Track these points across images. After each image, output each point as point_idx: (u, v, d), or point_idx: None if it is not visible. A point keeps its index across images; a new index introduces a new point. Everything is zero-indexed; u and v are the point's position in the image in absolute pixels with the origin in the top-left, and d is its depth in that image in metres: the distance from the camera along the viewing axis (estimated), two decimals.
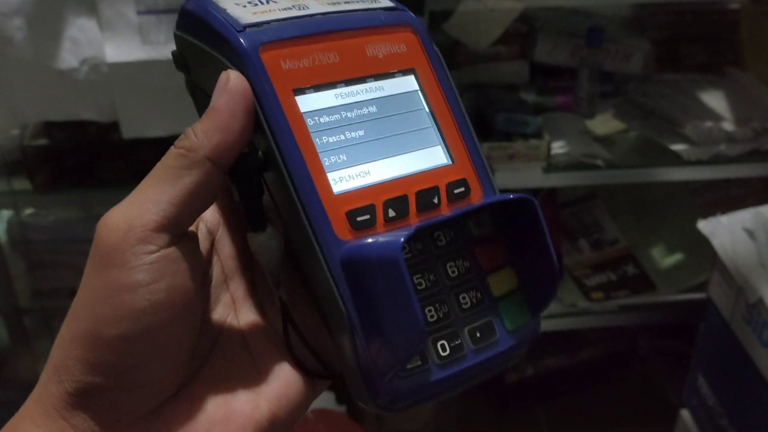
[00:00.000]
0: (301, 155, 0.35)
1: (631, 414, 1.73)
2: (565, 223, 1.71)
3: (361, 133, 0.37)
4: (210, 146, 0.34)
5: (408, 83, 0.39)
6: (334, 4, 0.39)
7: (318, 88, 0.37)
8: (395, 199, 0.36)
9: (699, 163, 1.44)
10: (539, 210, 0.37)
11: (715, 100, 1.49)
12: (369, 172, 0.37)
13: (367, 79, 0.38)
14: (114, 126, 1.20)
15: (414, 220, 0.36)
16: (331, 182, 0.35)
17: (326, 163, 0.36)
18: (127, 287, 0.33)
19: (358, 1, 0.40)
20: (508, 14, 1.32)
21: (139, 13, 1.10)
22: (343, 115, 0.37)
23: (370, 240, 0.35)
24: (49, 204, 1.48)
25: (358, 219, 0.35)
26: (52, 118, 1.25)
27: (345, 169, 0.36)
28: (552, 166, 1.42)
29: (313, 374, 0.38)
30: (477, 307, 0.38)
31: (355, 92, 0.38)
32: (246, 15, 0.37)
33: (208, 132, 0.34)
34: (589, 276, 1.64)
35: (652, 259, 1.68)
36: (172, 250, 0.34)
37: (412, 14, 0.41)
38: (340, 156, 0.36)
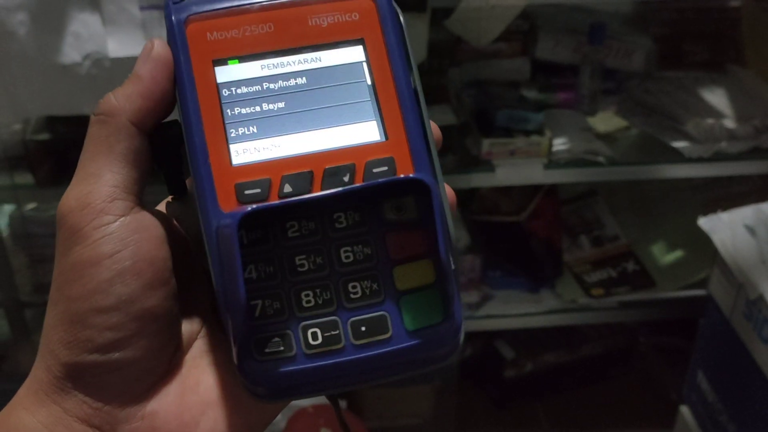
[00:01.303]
0: (201, 125, 0.35)
1: (630, 410, 1.73)
2: (566, 219, 1.71)
3: (281, 105, 0.36)
4: (132, 110, 0.35)
5: (353, 54, 0.37)
6: None
7: (242, 59, 0.36)
8: (296, 174, 0.34)
9: (700, 160, 1.44)
10: (434, 194, 0.34)
11: (716, 97, 1.49)
12: (279, 146, 0.35)
13: (303, 50, 0.36)
14: None
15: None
16: (233, 154, 0.35)
17: (231, 135, 0.35)
18: (92, 261, 0.33)
19: None
20: (510, 11, 1.32)
21: (142, 8, 1.10)
22: (265, 87, 0.36)
23: (233, 212, 0.34)
24: (50, 198, 1.48)
25: (246, 192, 0.34)
26: (55, 112, 1.25)
27: (251, 142, 0.35)
28: (553, 162, 1.42)
29: None
30: (369, 299, 0.35)
31: (284, 63, 0.36)
32: None
33: (130, 97, 0.35)
34: (589, 272, 1.64)
35: (652, 255, 1.68)
36: (132, 219, 0.34)
37: None
38: (250, 128, 0.35)
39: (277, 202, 0.34)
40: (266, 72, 0.36)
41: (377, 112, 0.36)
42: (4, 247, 1.43)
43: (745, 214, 1.26)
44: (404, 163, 0.35)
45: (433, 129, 0.38)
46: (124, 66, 1.12)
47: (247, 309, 0.33)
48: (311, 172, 0.34)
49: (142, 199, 0.36)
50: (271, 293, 0.34)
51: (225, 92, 0.35)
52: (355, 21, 0.37)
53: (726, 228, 1.25)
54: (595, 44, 1.49)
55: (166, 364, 0.36)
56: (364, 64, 0.37)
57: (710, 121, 1.43)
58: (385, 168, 0.35)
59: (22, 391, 0.35)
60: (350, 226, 0.35)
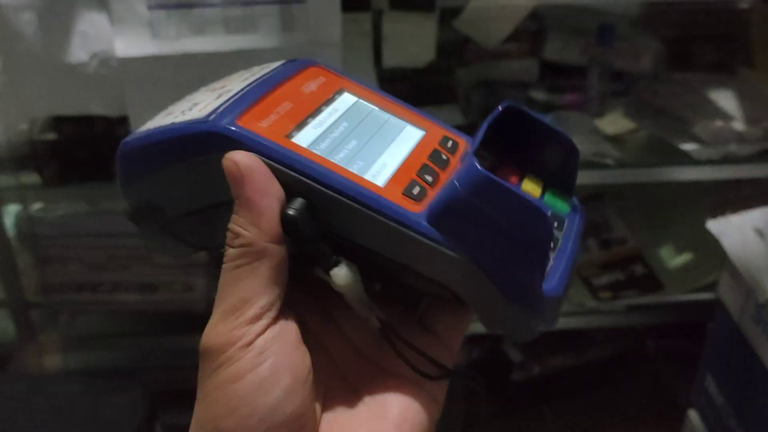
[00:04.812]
0: (338, 173, 0.37)
1: (638, 414, 1.73)
2: None
3: (355, 142, 0.41)
4: (266, 232, 0.36)
5: (348, 99, 0.44)
6: (246, 79, 0.43)
7: (298, 127, 0.40)
8: (422, 167, 0.41)
9: (709, 162, 1.44)
10: (525, 107, 0.43)
11: (725, 99, 1.48)
12: (386, 164, 0.40)
13: (322, 108, 0.42)
14: (123, 120, 1.20)
15: (444, 176, 0.41)
16: (372, 180, 0.38)
17: (355, 170, 0.38)
18: (235, 378, 0.34)
19: (263, 68, 0.44)
20: (518, 11, 1.31)
21: (150, 8, 1.10)
22: (333, 137, 0.40)
23: (443, 188, 0.38)
24: (57, 198, 1.48)
25: (414, 192, 0.38)
26: (62, 112, 1.25)
27: (371, 169, 0.39)
28: None
29: (433, 377, 0.40)
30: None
31: (323, 119, 0.41)
32: (196, 114, 0.39)
33: (254, 222, 0.36)
34: (597, 275, 1.63)
35: (660, 258, 1.67)
36: (269, 330, 0.35)
37: (306, 59, 0.46)
38: (359, 162, 0.39)
39: (474, 141, 0.41)
40: (321, 129, 0.41)
41: (402, 120, 0.45)
42: (10, 247, 1.43)
43: (755, 217, 1.25)
44: (453, 136, 0.45)
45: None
46: (131, 66, 1.12)
47: (548, 218, 0.38)
48: (426, 163, 0.41)
49: (284, 303, 0.37)
50: None
51: (316, 150, 0.39)
52: (326, 81, 0.45)
53: (735, 231, 1.24)
54: (604, 46, 1.49)
55: None
56: (361, 101, 0.45)
57: (719, 123, 1.42)
58: (451, 143, 0.44)
59: None
60: None
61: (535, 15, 1.53)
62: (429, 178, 0.40)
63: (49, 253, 1.47)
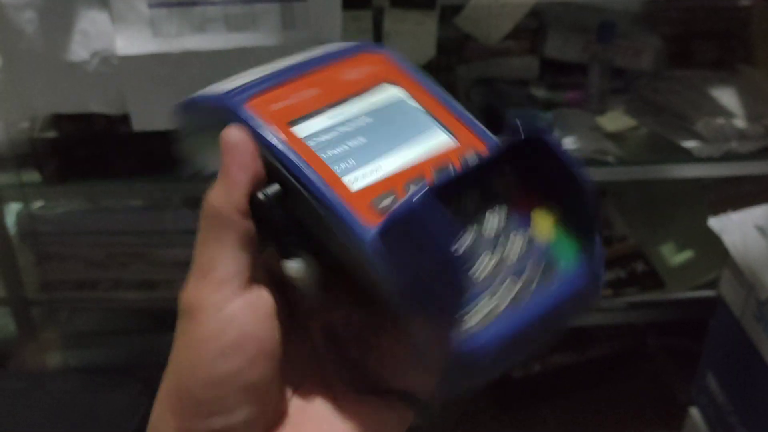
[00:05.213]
0: (310, 167, 0.37)
1: (639, 412, 1.73)
2: None
3: (363, 140, 0.40)
4: (235, 203, 0.36)
5: (386, 93, 0.42)
6: (294, 59, 0.43)
7: (310, 116, 0.40)
8: (414, 179, 0.38)
9: (710, 160, 1.43)
10: (551, 141, 0.37)
11: (726, 96, 1.48)
12: (380, 168, 0.39)
13: (351, 98, 0.41)
14: (123, 118, 1.20)
15: None
16: (347, 183, 0.37)
17: (338, 170, 0.38)
18: (201, 339, 0.36)
19: (318, 49, 0.44)
20: (519, 9, 1.31)
21: (151, 6, 1.10)
22: (341, 131, 0.40)
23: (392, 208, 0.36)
24: (58, 196, 1.48)
25: (381, 205, 0.36)
26: (63, 110, 1.25)
27: (357, 171, 0.38)
28: None
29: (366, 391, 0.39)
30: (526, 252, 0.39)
31: (344, 111, 0.40)
32: (225, 86, 0.40)
33: (228, 192, 0.37)
34: None
35: (661, 256, 1.67)
36: (240, 299, 0.36)
37: (371, 43, 0.44)
38: (349, 161, 0.38)
39: (444, 177, 0.37)
40: (334, 121, 0.40)
41: (440, 125, 0.41)
42: (11, 244, 1.43)
43: (756, 214, 1.25)
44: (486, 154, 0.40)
45: None
46: (132, 64, 1.12)
47: (459, 258, 0.34)
48: (424, 176, 0.38)
49: (256, 274, 0.38)
50: None
51: (311, 143, 0.38)
52: (378, 70, 0.43)
53: (736, 228, 1.24)
54: (604, 43, 1.49)
55: (271, 419, 0.37)
56: (406, 97, 0.42)
57: (720, 120, 1.42)
58: (477, 159, 0.39)
59: None
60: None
61: (535, 12, 1.52)
62: (413, 190, 0.37)
63: (50, 250, 1.47)
